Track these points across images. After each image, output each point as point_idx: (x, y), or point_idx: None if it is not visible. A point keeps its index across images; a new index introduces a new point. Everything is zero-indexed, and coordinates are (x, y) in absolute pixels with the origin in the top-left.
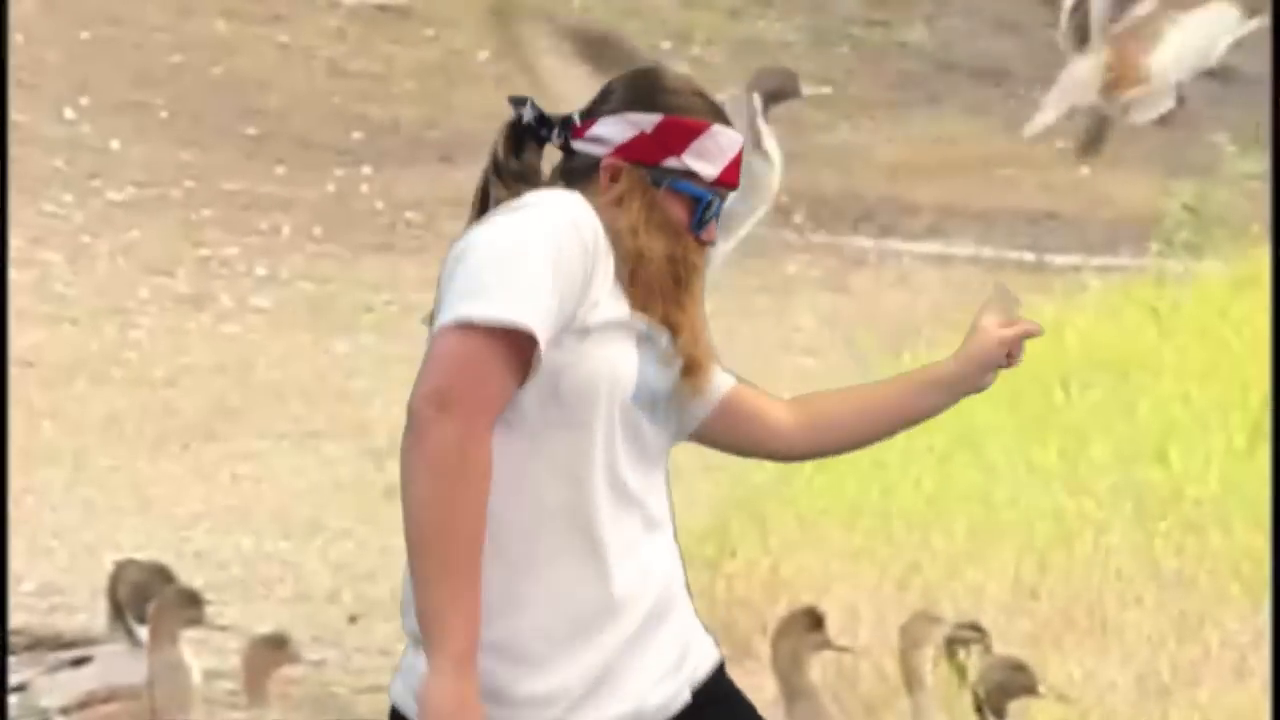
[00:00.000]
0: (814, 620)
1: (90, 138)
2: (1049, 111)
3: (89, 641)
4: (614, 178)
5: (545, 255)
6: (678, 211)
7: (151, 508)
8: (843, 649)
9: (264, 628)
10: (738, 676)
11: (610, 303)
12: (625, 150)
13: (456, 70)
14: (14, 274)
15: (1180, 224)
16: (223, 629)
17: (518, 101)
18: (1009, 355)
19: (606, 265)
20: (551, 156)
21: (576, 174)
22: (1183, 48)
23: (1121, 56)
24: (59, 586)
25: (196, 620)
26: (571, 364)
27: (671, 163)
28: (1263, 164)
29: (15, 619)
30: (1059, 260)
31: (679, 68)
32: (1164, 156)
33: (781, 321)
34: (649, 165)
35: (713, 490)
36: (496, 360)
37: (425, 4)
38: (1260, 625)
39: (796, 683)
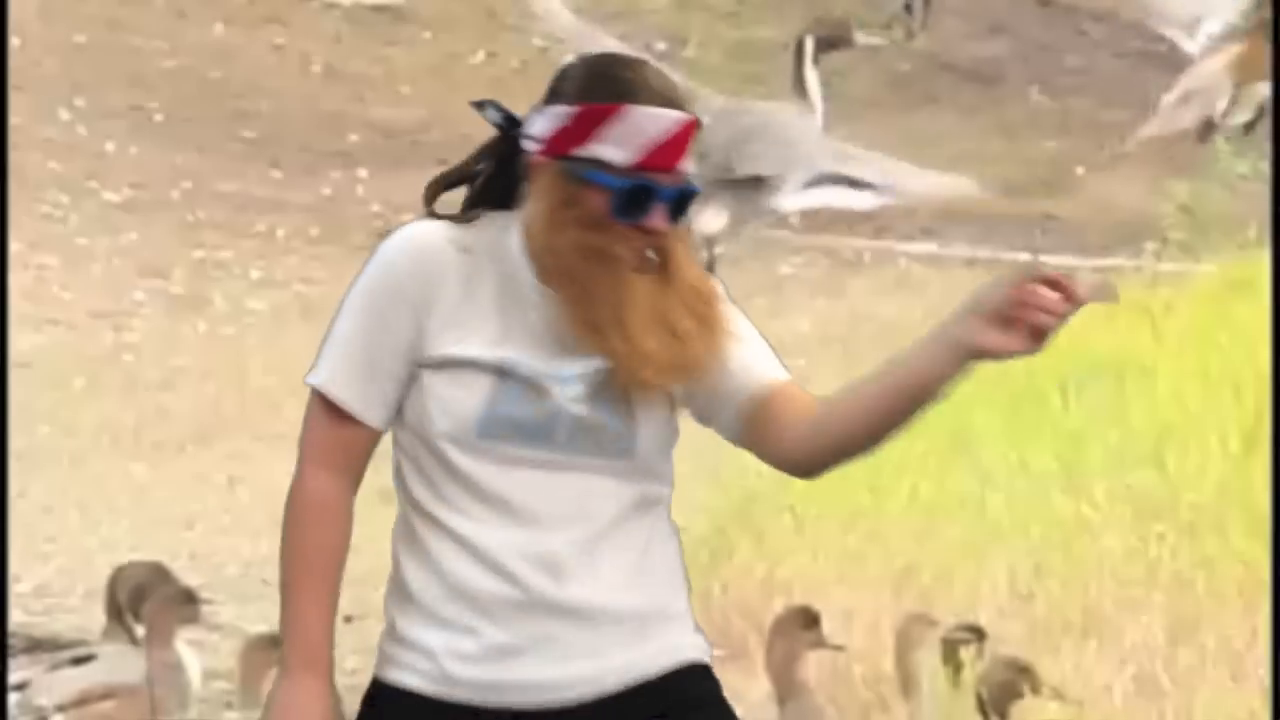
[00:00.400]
0: (808, 619)
1: (86, 140)
2: (1173, 112)
3: (83, 643)
4: (535, 175)
5: (356, 308)
6: (595, 202)
7: (147, 509)
8: (837, 648)
9: (260, 628)
10: (733, 677)
11: (456, 335)
12: (549, 145)
13: (452, 73)
14: (10, 276)
15: (1175, 225)
16: (218, 628)
17: (480, 105)
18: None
19: (451, 294)
20: None
21: (524, 175)
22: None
23: (1254, 48)
24: (55, 588)
25: (192, 619)
26: (410, 400)
27: (579, 151)
28: (1258, 164)
29: (11, 619)
30: (1054, 262)
31: (673, 69)
32: (1159, 158)
33: (777, 323)
34: (562, 157)
35: (710, 494)
36: (319, 414)
37: (421, 6)
38: (1256, 628)
39: (790, 682)
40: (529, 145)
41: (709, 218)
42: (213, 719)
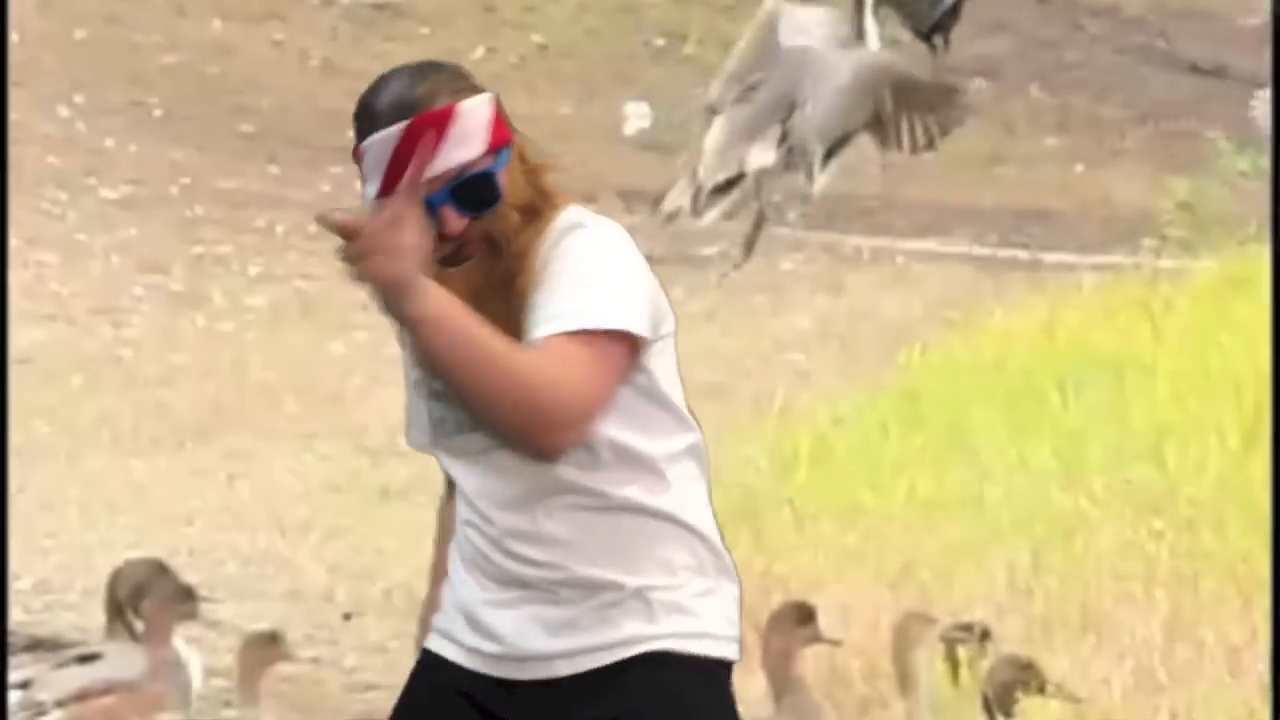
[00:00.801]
0: (804, 615)
1: (85, 136)
2: None
3: (82, 642)
4: None
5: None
6: None
7: (146, 506)
8: (833, 642)
9: (258, 625)
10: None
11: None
12: None
13: None
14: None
15: (1175, 222)
16: (217, 624)
17: None
18: None
19: None
20: None
21: None
22: None
23: None
24: (54, 584)
25: (190, 615)
26: None
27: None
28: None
29: (11, 617)
30: (1053, 258)
31: (672, 65)
32: (1157, 154)
33: (777, 320)
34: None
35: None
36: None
37: (420, 2)
38: (1254, 624)
39: (786, 678)
40: None
41: (757, 153)
42: (211, 716)
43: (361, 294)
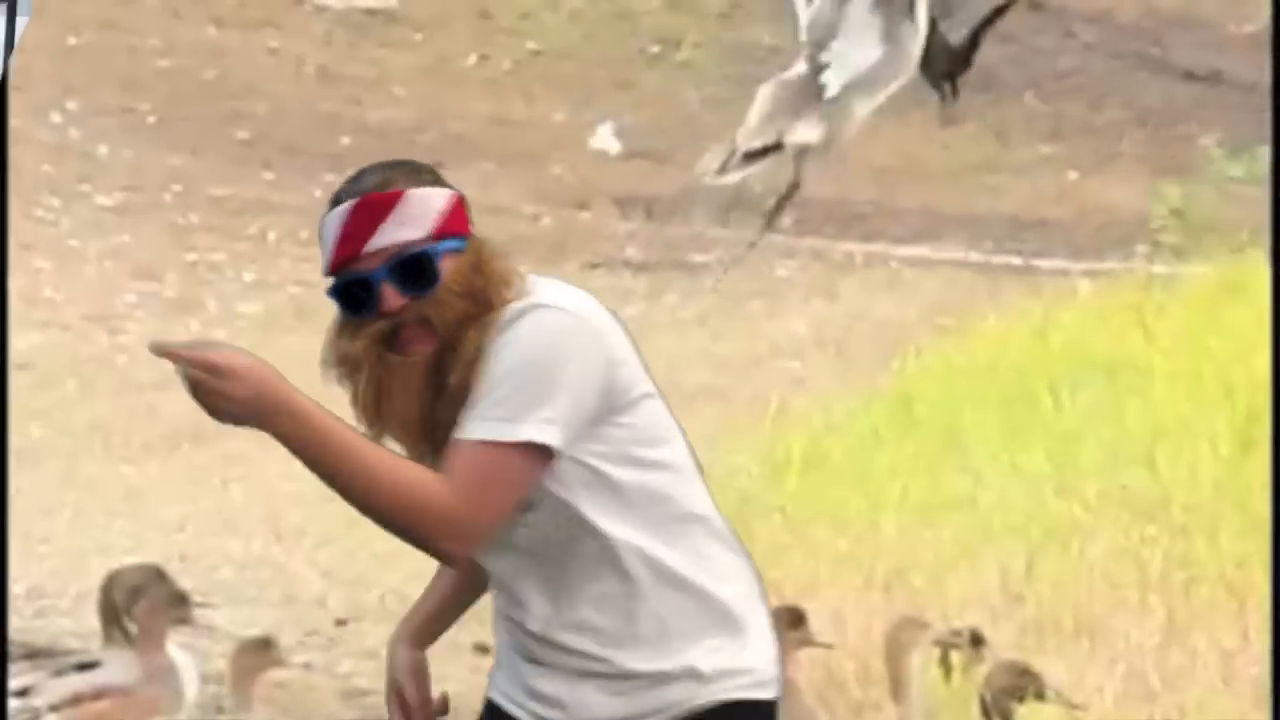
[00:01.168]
0: (794, 618)
1: (78, 142)
2: None
3: (72, 651)
4: None
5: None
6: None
7: (140, 512)
8: (824, 646)
9: (251, 631)
10: None
11: None
12: None
13: (445, 74)
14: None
15: (1168, 228)
16: (210, 630)
17: None
18: None
19: None
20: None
21: None
22: None
23: None
24: (48, 590)
25: (184, 620)
26: None
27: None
28: (1251, 167)
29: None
30: (1046, 264)
31: (667, 71)
32: (1151, 160)
33: (771, 325)
34: None
35: None
36: None
37: (414, 8)
38: (1247, 630)
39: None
40: None
41: (803, 129)
42: None
43: None
